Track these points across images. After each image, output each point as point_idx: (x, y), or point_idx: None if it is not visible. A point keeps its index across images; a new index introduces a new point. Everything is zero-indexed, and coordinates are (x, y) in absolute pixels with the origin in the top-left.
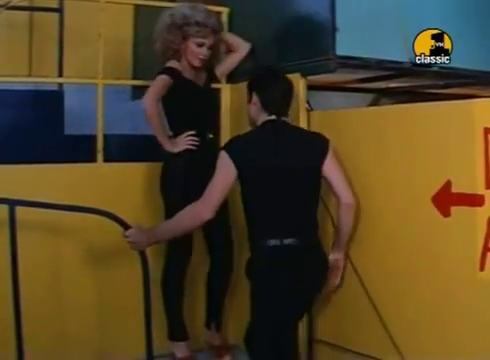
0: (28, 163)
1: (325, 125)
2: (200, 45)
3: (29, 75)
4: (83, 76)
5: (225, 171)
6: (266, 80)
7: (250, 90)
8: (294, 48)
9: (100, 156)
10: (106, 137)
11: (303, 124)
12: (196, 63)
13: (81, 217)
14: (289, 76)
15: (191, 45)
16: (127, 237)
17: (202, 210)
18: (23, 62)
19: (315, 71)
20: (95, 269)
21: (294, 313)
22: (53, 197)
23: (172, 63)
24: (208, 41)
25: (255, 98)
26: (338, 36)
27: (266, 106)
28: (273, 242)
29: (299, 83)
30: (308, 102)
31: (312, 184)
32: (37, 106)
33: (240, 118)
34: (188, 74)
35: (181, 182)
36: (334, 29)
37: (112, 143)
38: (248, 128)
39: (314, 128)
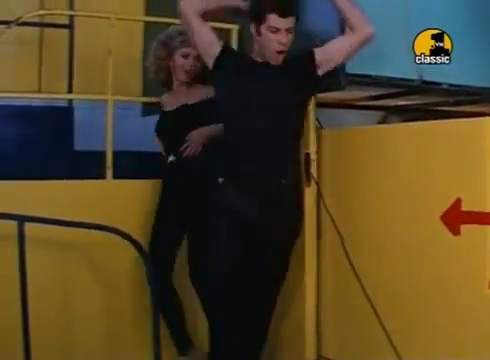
0: (37, 179)
1: (335, 142)
2: (185, 56)
3: (39, 91)
4: (93, 92)
5: None
6: None
7: None
8: None
9: (109, 173)
10: (115, 154)
11: (313, 142)
12: (183, 77)
13: (90, 234)
14: None
15: (177, 58)
16: None
17: None
18: (33, 78)
19: (325, 88)
20: (103, 286)
21: None
22: (62, 214)
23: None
24: (194, 51)
25: None
26: None
27: None
28: None
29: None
30: (318, 119)
31: None
32: (47, 122)
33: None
34: (176, 96)
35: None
36: None
37: (121, 160)
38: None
39: (324, 146)
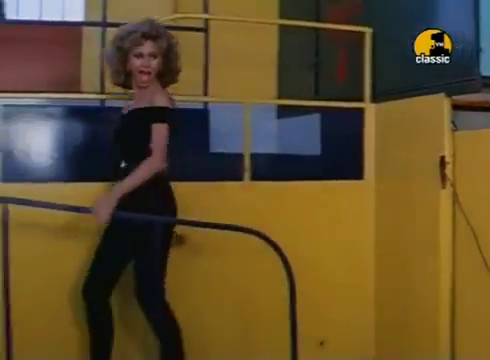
0: (173, 181)
1: (470, 144)
2: (138, 56)
3: (174, 93)
4: (228, 95)
5: None
6: None
7: None
8: (438, 68)
9: (247, 174)
10: (252, 156)
11: (448, 144)
12: (142, 78)
13: (226, 235)
14: (432, 96)
15: (131, 60)
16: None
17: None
18: None
19: (459, 91)
20: (239, 288)
21: None
22: (198, 215)
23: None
24: (146, 48)
25: None
26: (482, 57)
27: None
28: None
29: (443, 103)
30: (453, 122)
31: None
32: (183, 124)
33: (386, 140)
34: (135, 100)
35: None
36: (478, 50)
37: (257, 161)
38: (395, 150)
39: (459, 148)
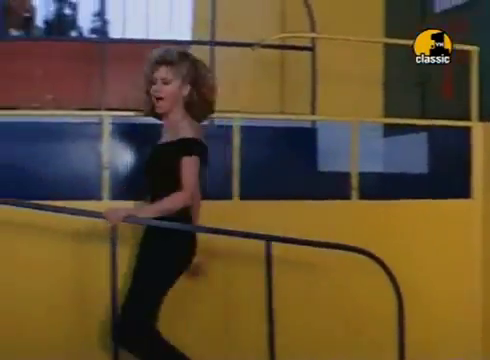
0: (282, 199)
1: None
2: (154, 82)
3: (281, 112)
4: (336, 113)
5: None
6: None
7: None
8: None
9: (355, 193)
10: (359, 174)
11: None
12: (156, 104)
13: (333, 254)
14: None
15: (150, 87)
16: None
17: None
18: (274, 99)
19: None
20: (346, 309)
21: None
22: (306, 233)
23: None
24: (159, 74)
25: None
26: None
27: None
28: None
29: None
30: None
31: None
32: (290, 143)
33: None
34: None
35: None
36: None
37: (365, 180)
38: None
39: None
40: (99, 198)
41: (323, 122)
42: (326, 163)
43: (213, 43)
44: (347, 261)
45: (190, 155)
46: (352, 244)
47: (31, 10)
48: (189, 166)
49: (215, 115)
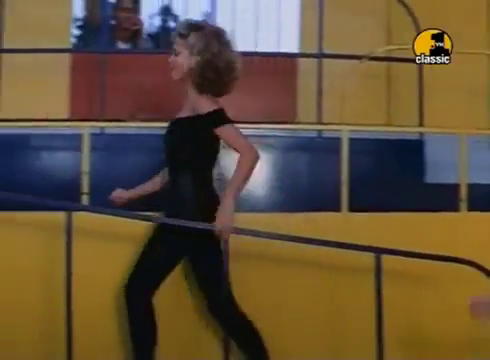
0: (390, 211)
1: None
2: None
3: (388, 124)
4: (444, 125)
5: None
6: None
7: None
8: None
9: (463, 205)
10: (468, 186)
11: None
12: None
13: (439, 266)
14: None
15: None
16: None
17: None
18: (381, 111)
19: None
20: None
21: None
22: (413, 246)
23: None
24: (176, 47)
25: None
26: None
27: None
28: None
29: None
30: None
31: None
32: (397, 155)
33: None
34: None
35: None
36: None
37: (473, 192)
38: None
39: None
40: None
41: (430, 135)
42: (434, 175)
43: (321, 55)
44: (454, 273)
45: (224, 124)
46: (462, 257)
47: (139, 23)
48: (231, 131)
49: (323, 127)
